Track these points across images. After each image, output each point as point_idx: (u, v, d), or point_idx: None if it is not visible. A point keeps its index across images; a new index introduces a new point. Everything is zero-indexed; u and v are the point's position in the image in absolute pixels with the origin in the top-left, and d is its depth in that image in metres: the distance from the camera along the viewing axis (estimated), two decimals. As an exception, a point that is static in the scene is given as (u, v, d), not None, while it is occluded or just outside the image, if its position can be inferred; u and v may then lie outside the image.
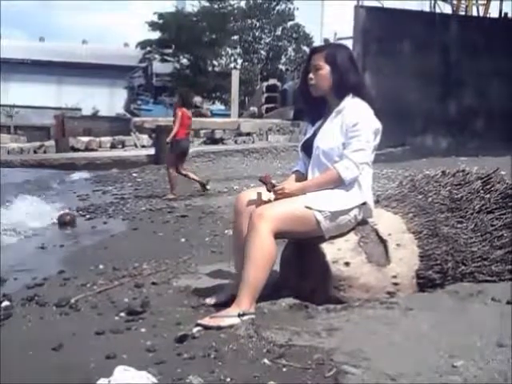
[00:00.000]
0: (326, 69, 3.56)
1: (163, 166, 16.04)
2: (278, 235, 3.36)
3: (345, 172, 3.43)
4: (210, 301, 3.60)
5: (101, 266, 4.90)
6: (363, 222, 3.60)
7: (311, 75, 3.60)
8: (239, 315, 3.20)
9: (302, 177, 3.68)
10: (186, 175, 10.89)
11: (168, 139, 10.56)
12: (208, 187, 10.65)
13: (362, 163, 3.46)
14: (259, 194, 3.52)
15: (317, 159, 3.57)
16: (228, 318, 3.18)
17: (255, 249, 3.28)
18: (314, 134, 3.65)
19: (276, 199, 3.48)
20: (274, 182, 3.55)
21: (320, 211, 3.39)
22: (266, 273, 3.31)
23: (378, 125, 3.55)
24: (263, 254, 3.28)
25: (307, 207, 3.38)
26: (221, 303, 3.50)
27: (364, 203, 3.53)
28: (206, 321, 3.17)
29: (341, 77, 3.55)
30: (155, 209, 8.90)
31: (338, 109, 3.56)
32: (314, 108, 3.75)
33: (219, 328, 3.09)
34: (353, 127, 3.45)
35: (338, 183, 3.46)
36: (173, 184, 10.58)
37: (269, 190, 3.50)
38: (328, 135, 3.54)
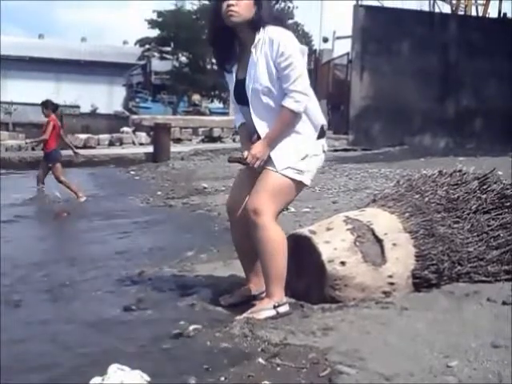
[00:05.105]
0: None
1: (161, 163, 16.08)
2: (278, 214, 3.40)
3: (296, 105, 3.29)
4: (225, 301, 3.59)
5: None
6: (359, 222, 3.60)
7: (232, 1, 3.31)
8: (275, 307, 3.26)
9: (249, 128, 3.49)
10: (62, 182, 10.17)
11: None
12: (82, 199, 9.84)
13: (306, 88, 3.33)
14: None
15: (256, 101, 3.38)
16: (264, 311, 3.25)
17: (265, 244, 3.30)
18: (240, 78, 3.45)
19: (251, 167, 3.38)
20: (240, 156, 3.47)
21: (296, 171, 3.35)
22: (284, 260, 3.34)
23: (300, 45, 3.43)
24: (275, 245, 3.31)
25: (283, 175, 3.33)
26: (236, 303, 3.52)
27: (322, 128, 3.46)
28: (243, 315, 3.21)
29: (263, 8, 3.35)
30: (152, 206, 8.88)
31: (257, 40, 3.34)
32: (223, 45, 3.50)
33: (258, 320, 3.14)
34: (281, 57, 3.26)
35: (295, 119, 3.35)
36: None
37: (244, 164, 3.43)
38: (259, 72, 3.33)
